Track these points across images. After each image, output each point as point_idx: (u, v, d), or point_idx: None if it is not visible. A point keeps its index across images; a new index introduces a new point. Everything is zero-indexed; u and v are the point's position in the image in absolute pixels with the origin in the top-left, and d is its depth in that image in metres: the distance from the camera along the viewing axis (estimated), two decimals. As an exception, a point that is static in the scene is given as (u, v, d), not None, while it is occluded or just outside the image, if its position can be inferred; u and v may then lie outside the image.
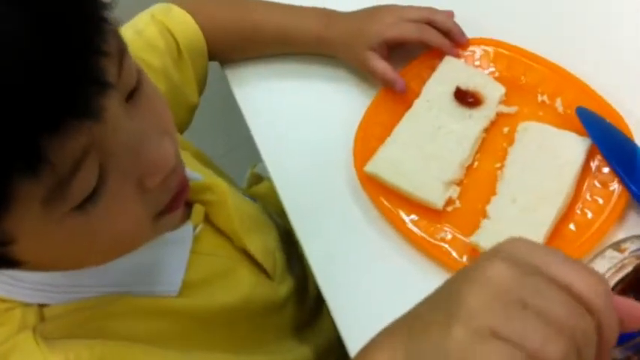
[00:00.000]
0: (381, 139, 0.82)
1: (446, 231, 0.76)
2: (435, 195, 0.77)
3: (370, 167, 0.79)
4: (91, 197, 0.49)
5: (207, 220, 0.74)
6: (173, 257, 0.68)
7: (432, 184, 0.77)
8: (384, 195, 0.79)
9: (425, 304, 0.44)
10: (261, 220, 0.86)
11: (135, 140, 0.51)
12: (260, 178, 1.11)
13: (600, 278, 0.40)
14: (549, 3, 0.91)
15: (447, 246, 0.75)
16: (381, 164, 0.79)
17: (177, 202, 0.59)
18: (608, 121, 0.76)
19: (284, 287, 0.84)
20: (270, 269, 0.80)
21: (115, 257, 0.59)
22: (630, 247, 0.54)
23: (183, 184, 0.59)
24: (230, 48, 0.94)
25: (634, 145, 0.75)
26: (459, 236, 0.75)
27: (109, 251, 0.57)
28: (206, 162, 0.87)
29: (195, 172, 0.75)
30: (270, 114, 0.93)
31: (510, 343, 0.37)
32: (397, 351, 0.42)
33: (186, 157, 0.79)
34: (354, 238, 0.80)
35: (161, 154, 0.54)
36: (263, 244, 0.80)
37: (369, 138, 0.83)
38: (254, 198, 0.90)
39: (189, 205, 0.73)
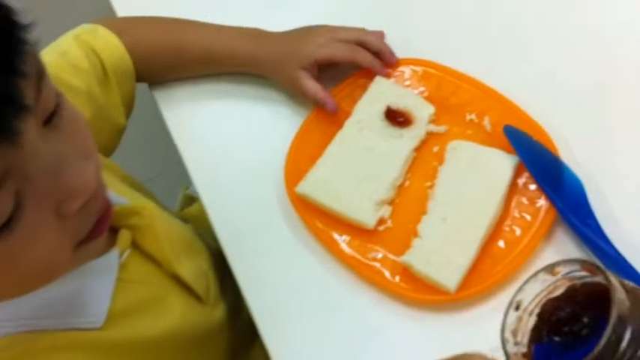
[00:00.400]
0: (313, 160, 0.81)
1: (378, 251, 0.76)
2: (367, 215, 0.77)
3: (301, 188, 0.79)
4: (7, 224, 0.47)
5: (135, 245, 0.72)
6: (97, 287, 0.65)
7: (363, 204, 0.77)
8: (315, 216, 0.78)
9: None
10: (193, 242, 0.85)
11: (54, 164, 0.50)
12: (192, 199, 1.09)
13: None
14: (478, 24, 0.92)
15: (379, 265, 0.75)
16: (312, 185, 0.79)
17: (100, 228, 0.57)
18: (534, 138, 0.77)
19: (218, 311, 0.82)
20: (202, 293, 0.78)
21: (33, 289, 0.56)
22: (563, 270, 0.55)
23: (106, 209, 0.58)
24: (157, 69, 0.93)
25: (560, 161, 0.76)
26: (391, 256, 0.75)
27: (26, 282, 0.55)
28: (134, 185, 0.85)
29: (122, 196, 0.73)
30: (200, 135, 0.92)
31: None
32: None
33: (113, 181, 0.77)
34: (285, 260, 0.79)
35: (82, 178, 0.52)
36: (194, 267, 0.79)
37: (301, 159, 0.82)
38: (185, 220, 0.88)
39: (114, 231, 0.70)
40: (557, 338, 0.56)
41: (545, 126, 0.78)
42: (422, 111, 0.83)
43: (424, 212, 0.76)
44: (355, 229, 0.77)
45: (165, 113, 0.94)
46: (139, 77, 0.92)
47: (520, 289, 0.57)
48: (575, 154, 0.77)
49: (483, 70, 0.84)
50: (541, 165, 0.75)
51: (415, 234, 0.75)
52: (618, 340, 0.47)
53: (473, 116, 0.82)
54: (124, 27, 0.91)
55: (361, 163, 0.80)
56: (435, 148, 0.82)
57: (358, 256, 0.75)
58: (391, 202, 0.79)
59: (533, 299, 0.57)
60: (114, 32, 0.88)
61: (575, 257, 0.63)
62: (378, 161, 0.80)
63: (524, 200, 0.75)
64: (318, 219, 0.78)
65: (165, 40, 0.92)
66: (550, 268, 0.55)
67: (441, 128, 0.83)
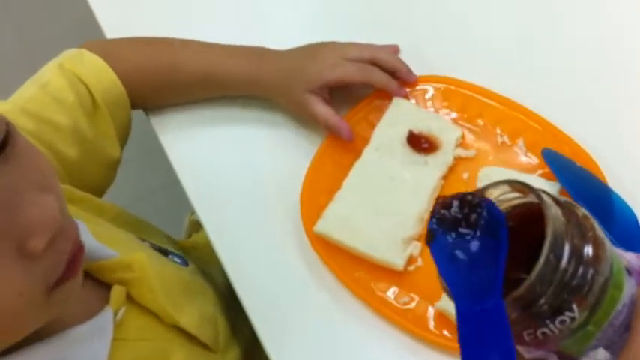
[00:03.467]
0: (330, 194, 0.74)
1: (410, 295, 0.68)
2: (395, 254, 0.69)
3: (320, 227, 0.71)
4: None
5: (130, 299, 0.64)
6: (91, 353, 0.57)
7: (389, 242, 0.70)
8: (337, 256, 0.71)
9: None
10: (195, 285, 0.77)
11: (7, 198, 0.45)
12: (199, 225, 1.01)
13: None
14: (502, 37, 0.85)
15: (412, 310, 0.67)
16: (331, 223, 0.71)
17: (73, 268, 0.51)
18: (577, 163, 0.70)
19: (231, 355, 0.75)
20: (210, 341, 0.71)
21: (6, 342, 0.49)
22: (493, 193, 0.46)
23: (77, 247, 0.51)
24: (152, 93, 0.85)
25: (607, 188, 0.69)
26: (425, 300, 0.67)
27: None
28: (129, 222, 0.78)
29: (110, 248, 0.65)
30: (202, 165, 0.85)
31: None
32: None
33: (104, 227, 0.70)
34: (304, 301, 0.73)
35: (41, 212, 0.47)
36: (199, 313, 0.71)
37: (316, 192, 0.75)
38: (185, 259, 0.80)
39: (107, 287, 0.63)
40: None
41: (589, 149, 0.71)
42: (448, 135, 0.75)
43: (458, 249, 0.69)
44: (383, 270, 0.70)
45: (164, 140, 0.87)
46: (134, 104, 0.84)
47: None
48: (624, 182, 0.70)
49: (513, 86, 0.77)
50: (587, 193, 0.68)
51: (450, 275, 0.67)
52: (557, 258, 0.42)
53: (505, 138, 0.75)
54: (114, 50, 0.84)
55: (384, 195, 0.73)
56: (465, 175, 0.75)
57: (390, 300, 0.68)
58: (419, 238, 0.72)
59: None
60: (106, 57, 0.81)
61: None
62: (403, 193, 0.73)
63: (571, 233, 0.68)
64: (341, 259, 0.71)
65: (162, 63, 0.84)
66: (479, 193, 0.48)
67: (470, 153, 0.75)
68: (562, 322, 0.43)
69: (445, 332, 0.66)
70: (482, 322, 0.40)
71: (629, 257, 0.47)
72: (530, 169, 0.72)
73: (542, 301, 0.42)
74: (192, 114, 0.87)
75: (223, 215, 0.81)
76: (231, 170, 0.84)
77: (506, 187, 0.47)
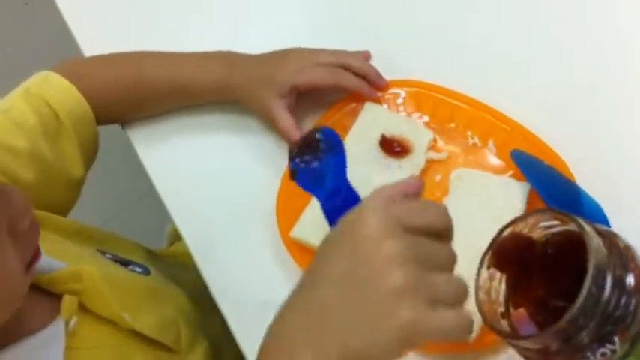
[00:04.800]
0: (306, 199, 0.74)
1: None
2: (370, 258, 0.70)
3: (296, 232, 0.72)
4: None
5: (84, 309, 0.65)
6: None
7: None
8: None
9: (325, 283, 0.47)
10: (157, 290, 0.78)
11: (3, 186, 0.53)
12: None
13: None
14: (471, 40, 0.86)
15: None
16: (307, 228, 0.72)
17: (38, 251, 0.58)
18: (546, 162, 0.71)
19: (197, 352, 0.76)
20: (171, 342, 0.72)
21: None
22: (534, 221, 0.52)
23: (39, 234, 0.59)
24: (123, 108, 0.87)
25: (576, 187, 0.70)
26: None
27: None
28: (92, 237, 0.79)
29: (59, 261, 0.66)
30: (178, 174, 0.86)
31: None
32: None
33: (52, 242, 0.72)
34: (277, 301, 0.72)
35: (25, 195, 0.55)
36: (158, 317, 0.73)
37: (292, 198, 0.75)
38: (147, 269, 0.80)
39: (59, 299, 0.63)
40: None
41: (557, 148, 0.72)
42: (420, 138, 0.76)
43: (432, 251, 0.70)
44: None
45: (140, 152, 0.88)
46: (105, 120, 0.85)
47: (491, 246, 0.53)
48: (591, 179, 0.71)
49: (483, 88, 0.78)
50: (556, 192, 0.69)
51: (424, 277, 0.68)
52: (599, 290, 0.43)
53: (475, 140, 0.76)
54: (82, 69, 0.85)
55: None
56: (438, 177, 0.76)
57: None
58: (394, 241, 0.72)
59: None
60: (71, 76, 0.82)
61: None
62: (377, 196, 0.73)
63: (541, 232, 0.69)
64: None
65: (126, 77, 0.85)
66: (522, 220, 0.51)
67: (442, 155, 0.76)
68: (603, 354, 0.43)
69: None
70: (342, 208, 0.50)
71: None
72: (500, 170, 0.73)
73: (583, 333, 0.42)
74: (166, 123, 0.88)
75: (201, 222, 0.82)
76: (208, 177, 0.85)
77: (547, 215, 0.48)
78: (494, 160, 0.75)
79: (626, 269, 0.44)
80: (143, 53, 0.87)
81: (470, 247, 0.68)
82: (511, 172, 0.73)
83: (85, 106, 0.82)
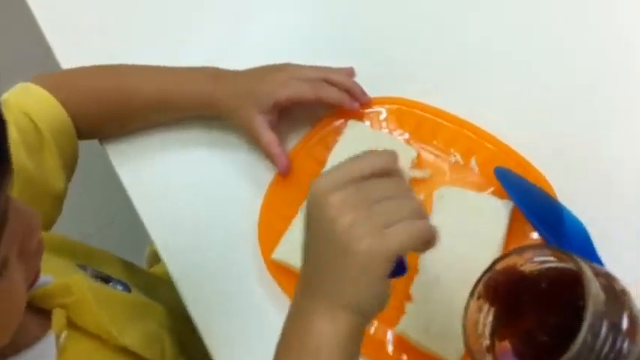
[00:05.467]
0: (288, 219, 0.74)
1: (368, 320, 0.68)
2: (353, 278, 0.69)
3: (278, 254, 0.72)
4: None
5: (72, 324, 0.64)
6: None
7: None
8: (296, 283, 0.70)
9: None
10: (139, 306, 0.78)
11: (18, 204, 0.51)
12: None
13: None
14: (454, 56, 0.85)
15: (370, 336, 0.67)
16: (289, 249, 0.71)
17: (38, 272, 0.57)
18: (528, 180, 0.71)
19: None
20: (156, 357, 0.72)
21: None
22: (530, 255, 0.52)
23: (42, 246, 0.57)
24: (104, 121, 0.86)
25: (559, 205, 0.70)
26: (383, 325, 0.68)
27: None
28: (72, 251, 0.78)
29: (46, 275, 0.64)
30: (158, 191, 0.85)
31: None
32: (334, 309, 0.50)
33: (47, 258, 0.69)
34: (262, 327, 0.72)
35: (34, 211, 0.53)
36: (143, 332, 0.73)
37: (274, 218, 0.75)
38: (127, 286, 0.80)
39: (48, 315, 0.63)
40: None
41: (539, 165, 0.72)
42: (402, 155, 0.75)
43: (415, 271, 0.69)
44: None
45: (119, 169, 0.87)
46: (85, 133, 0.85)
47: (482, 277, 0.53)
48: (574, 196, 0.71)
49: (465, 106, 0.78)
50: (539, 210, 0.69)
51: (408, 297, 0.68)
52: (595, 336, 0.43)
53: (458, 157, 0.76)
54: (62, 81, 0.84)
55: None
56: (421, 196, 0.75)
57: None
58: (377, 261, 0.72)
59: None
60: (51, 88, 0.81)
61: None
62: (360, 215, 0.73)
63: (525, 250, 0.69)
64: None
65: (108, 90, 0.84)
66: (517, 253, 0.51)
67: (425, 173, 0.76)
68: None
69: (404, 357, 0.66)
70: None
71: None
72: (483, 188, 0.73)
73: None
74: (146, 139, 0.87)
75: (180, 242, 0.81)
76: (188, 195, 0.84)
77: (545, 251, 0.48)
78: (476, 178, 0.74)
79: (622, 315, 0.44)
80: (126, 66, 0.86)
81: (454, 264, 0.68)
82: (493, 189, 0.73)
83: (65, 118, 0.81)
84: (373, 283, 0.50)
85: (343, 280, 0.50)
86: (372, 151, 0.53)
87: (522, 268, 0.52)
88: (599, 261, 0.66)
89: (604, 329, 0.43)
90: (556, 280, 0.50)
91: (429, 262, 0.69)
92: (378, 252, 0.48)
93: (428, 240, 0.51)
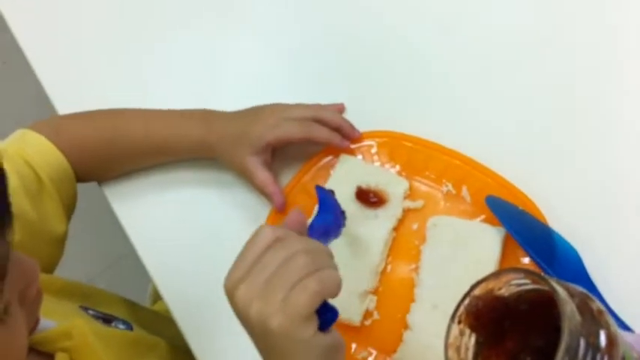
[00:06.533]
0: (285, 253, 0.74)
1: (367, 350, 0.69)
2: (351, 310, 0.70)
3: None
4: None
5: None
6: None
7: (345, 299, 0.70)
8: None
9: None
10: (142, 343, 0.78)
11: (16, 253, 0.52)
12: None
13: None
14: (441, 90, 0.87)
15: (371, 366, 0.68)
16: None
17: (38, 318, 0.59)
18: (519, 207, 0.72)
19: None
20: None
21: None
22: (507, 278, 0.52)
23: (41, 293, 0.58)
24: (102, 164, 0.87)
25: (550, 230, 0.71)
26: (382, 354, 0.68)
27: None
28: (74, 293, 0.78)
29: (48, 319, 0.65)
30: (156, 231, 0.86)
31: None
32: None
33: (49, 301, 0.70)
34: (257, 357, 0.72)
35: (33, 261, 0.54)
36: None
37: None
38: (130, 325, 0.80)
39: (49, 357, 0.64)
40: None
41: (529, 193, 0.74)
42: (395, 187, 0.77)
43: (412, 300, 0.71)
44: (340, 327, 0.69)
45: (117, 208, 0.88)
46: (84, 176, 0.86)
47: (462, 301, 0.53)
48: (565, 221, 0.72)
49: (455, 137, 0.80)
50: (531, 236, 0.70)
51: (405, 326, 0.69)
52: (573, 356, 0.44)
53: (450, 187, 0.77)
54: (59, 127, 0.85)
55: (337, 251, 0.72)
56: (415, 226, 0.76)
57: (349, 356, 0.69)
58: (375, 292, 0.73)
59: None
60: (49, 134, 0.82)
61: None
62: (355, 248, 0.74)
63: (518, 276, 0.70)
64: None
65: (105, 134, 0.85)
66: (494, 277, 0.51)
67: (418, 203, 0.77)
68: None
69: (402, 385, 0.67)
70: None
71: (636, 345, 0.48)
72: (475, 216, 0.74)
73: None
74: (143, 180, 0.88)
75: (181, 281, 0.82)
76: (186, 234, 0.85)
77: (520, 274, 0.50)
78: (468, 207, 0.76)
79: (599, 336, 0.45)
80: (121, 110, 0.88)
81: (450, 291, 0.69)
82: (485, 217, 0.74)
83: (64, 164, 0.82)
84: (309, 344, 0.53)
85: (283, 356, 0.53)
86: (260, 226, 0.57)
87: (501, 292, 0.52)
88: (591, 284, 0.68)
89: (582, 349, 0.44)
90: (536, 302, 0.50)
91: (425, 290, 0.70)
92: (290, 322, 0.52)
93: (329, 288, 0.54)
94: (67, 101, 0.96)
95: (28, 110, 0.92)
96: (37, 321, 0.58)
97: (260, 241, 0.55)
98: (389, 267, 0.75)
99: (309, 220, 0.62)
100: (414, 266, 0.74)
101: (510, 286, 0.51)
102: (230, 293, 0.55)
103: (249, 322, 0.53)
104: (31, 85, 1.03)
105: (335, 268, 0.56)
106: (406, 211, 0.77)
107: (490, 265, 0.70)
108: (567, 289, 0.47)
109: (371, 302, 0.72)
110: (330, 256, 0.58)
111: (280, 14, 0.98)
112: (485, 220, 0.74)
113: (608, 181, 0.76)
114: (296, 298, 0.52)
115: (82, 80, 0.99)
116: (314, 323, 0.53)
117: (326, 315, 0.54)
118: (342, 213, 0.69)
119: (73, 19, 1.04)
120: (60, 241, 0.82)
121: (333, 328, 0.56)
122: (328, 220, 0.65)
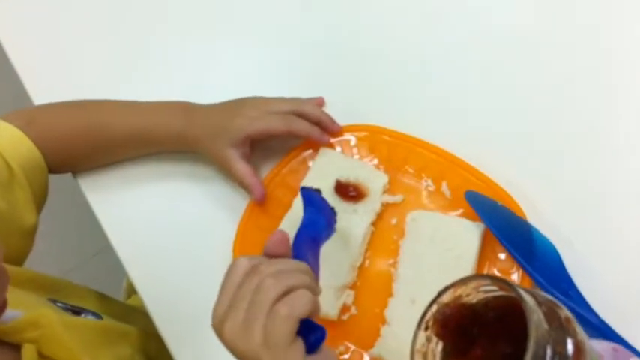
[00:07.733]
0: (262, 246, 0.73)
1: (344, 344, 0.69)
2: (328, 304, 0.70)
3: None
4: None
5: (43, 357, 0.64)
6: None
7: (323, 293, 0.69)
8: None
9: None
10: (112, 332, 0.78)
11: None
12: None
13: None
14: (424, 84, 0.87)
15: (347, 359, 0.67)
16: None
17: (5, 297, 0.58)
18: (499, 203, 0.72)
19: None
20: None
21: None
22: (474, 284, 0.51)
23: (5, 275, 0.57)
24: (77, 156, 0.85)
25: (529, 226, 0.71)
26: (359, 349, 0.68)
27: None
28: (44, 285, 0.77)
29: (14, 309, 0.64)
30: (132, 225, 0.85)
31: None
32: None
33: (17, 292, 0.69)
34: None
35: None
36: (117, 356, 0.74)
37: (249, 246, 0.75)
38: (99, 315, 0.80)
39: (17, 349, 0.62)
40: None
41: (509, 189, 0.74)
42: (375, 182, 0.77)
43: (390, 294, 0.70)
44: (317, 321, 0.69)
45: (92, 201, 0.86)
46: (58, 168, 0.84)
47: (430, 308, 0.52)
48: (544, 217, 0.72)
49: (436, 132, 0.79)
50: (509, 231, 0.70)
51: (383, 320, 0.69)
52: None
53: (429, 182, 0.77)
54: (34, 116, 0.84)
55: None
56: (394, 221, 0.76)
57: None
58: (353, 286, 0.72)
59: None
60: (22, 124, 0.80)
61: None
62: (334, 242, 0.73)
63: (496, 272, 0.70)
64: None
65: (81, 125, 0.84)
66: (462, 283, 0.51)
67: (397, 198, 0.77)
68: None
69: (381, 379, 0.66)
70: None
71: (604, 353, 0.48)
72: (454, 211, 0.74)
73: None
74: (119, 172, 0.87)
75: (155, 273, 0.81)
76: (162, 227, 0.84)
77: (487, 281, 0.49)
78: (448, 202, 0.75)
79: (566, 343, 0.45)
80: (98, 101, 0.86)
81: (428, 286, 0.68)
82: (463, 212, 0.74)
83: (36, 154, 0.81)
84: None
85: None
86: (236, 258, 0.58)
87: (469, 298, 0.52)
88: (569, 280, 0.67)
89: (548, 357, 0.44)
90: (504, 309, 0.50)
91: (403, 285, 0.70)
92: (275, 356, 0.52)
93: (299, 308, 0.54)
94: (42, 90, 0.95)
95: (6, 105, 0.90)
96: (4, 302, 0.57)
97: (236, 272, 0.56)
98: (367, 261, 0.74)
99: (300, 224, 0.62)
100: (392, 261, 0.73)
101: (478, 292, 0.51)
102: (218, 332, 0.55)
103: (239, 355, 0.54)
104: (10, 81, 1.01)
105: (309, 284, 0.56)
106: (385, 206, 0.77)
107: (469, 260, 0.69)
108: (535, 297, 0.47)
109: (348, 297, 0.71)
110: (304, 272, 0.57)
111: (258, 12, 0.98)
112: (465, 216, 0.74)
113: (589, 178, 0.77)
114: (272, 327, 0.52)
115: (59, 70, 0.98)
116: (299, 347, 0.53)
117: (313, 335, 0.54)
118: (332, 209, 0.68)
119: (58, 15, 1.03)
120: (30, 233, 0.81)
121: (325, 345, 0.55)
122: (319, 222, 0.64)
